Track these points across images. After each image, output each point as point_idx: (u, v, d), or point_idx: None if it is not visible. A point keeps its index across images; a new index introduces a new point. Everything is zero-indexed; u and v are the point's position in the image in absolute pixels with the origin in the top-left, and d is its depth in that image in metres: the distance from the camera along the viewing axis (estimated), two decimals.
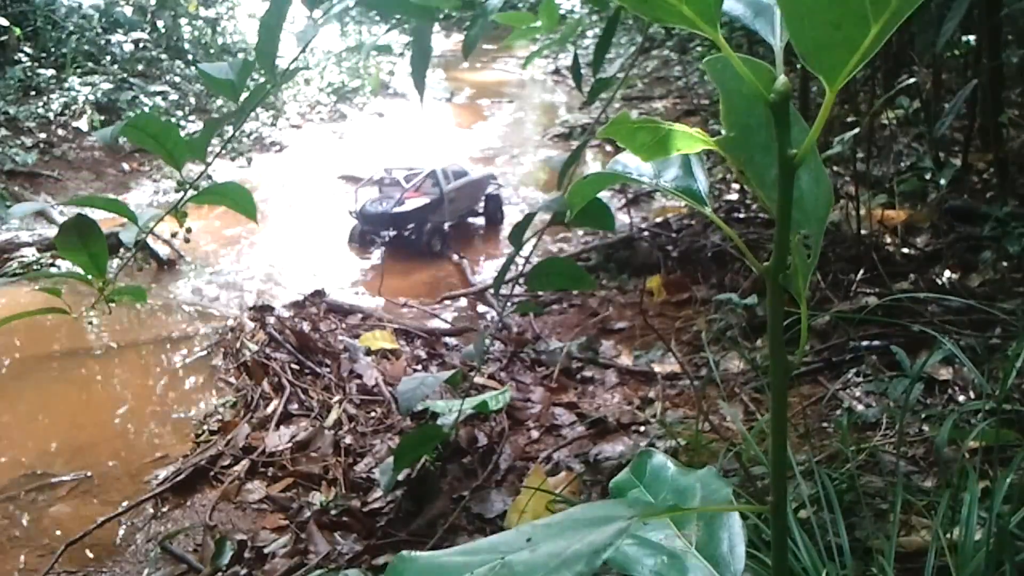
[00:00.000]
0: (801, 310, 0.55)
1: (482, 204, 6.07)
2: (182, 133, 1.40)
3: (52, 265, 5.16)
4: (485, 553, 0.49)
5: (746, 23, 0.52)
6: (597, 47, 2.41)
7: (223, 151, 1.72)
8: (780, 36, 0.50)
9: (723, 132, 0.55)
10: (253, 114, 8.58)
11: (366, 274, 5.36)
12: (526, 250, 2.24)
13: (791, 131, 0.48)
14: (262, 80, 1.59)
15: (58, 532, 2.89)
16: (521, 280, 2.52)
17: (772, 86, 0.48)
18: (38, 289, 1.48)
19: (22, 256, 5.26)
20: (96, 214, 1.64)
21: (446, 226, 5.63)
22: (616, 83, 2.52)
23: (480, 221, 6.15)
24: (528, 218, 2.14)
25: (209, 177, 1.62)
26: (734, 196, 5.42)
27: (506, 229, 5.87)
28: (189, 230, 1.75)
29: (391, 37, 9.97)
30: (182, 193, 1.47)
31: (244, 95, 1.51)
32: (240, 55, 9.70)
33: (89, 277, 1.41)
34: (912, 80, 4.37)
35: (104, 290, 1.44)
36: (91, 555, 2.77)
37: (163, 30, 9.21)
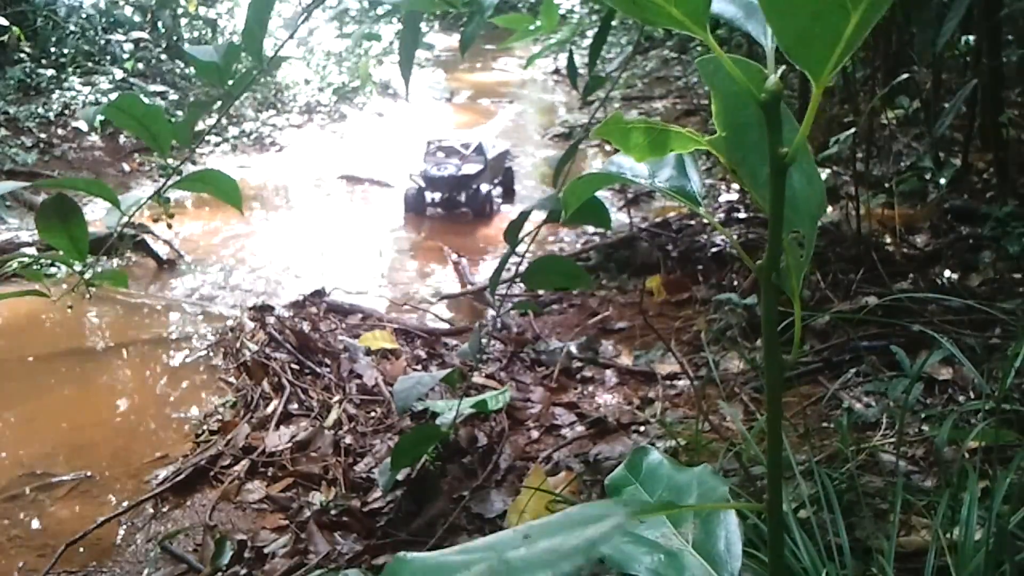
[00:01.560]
0: (795, 308, 0.55)
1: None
2: None
3: (52, 265, 5.15)
4: (482, 552, 0.50)
5: (738, 25, 0.52)
6: (592, 46, 2.42)
7: (210, 134, 1.72)
8: (771, 36, 0.50)
9: (716, 132, 0.55)
10: (252, 113, 8.57)
11: (366, 274, 5.36)
12: (521, 248, 2.24)
13: (783, 130, 0.48)
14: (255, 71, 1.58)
15: (58, 532, 2.89)
16: (518, 279, 2.52)
17: (763, 85, 0.48)
18: (20, 267, 1.46)
19: (22, 256, 5.25)
20: (88, 215, 1.64)
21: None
22: (611, 81, 2.53)
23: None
24: (523, 216, 2.14)
25: (190, 160, 1.62)
26: (734, 196, 5.42)
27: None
28: (172, 216, 1.73)
29: (388, 34, 9.96)
30: (165, 177, 1.46)
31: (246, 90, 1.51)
32: (240, 55, 9.64)
33: (72, 264, 1.39)
34: (906, 76, 4.37)
35: (84, 273, 1.43)
36: (91, 555, 2.77)
37: (163, 30, 9.20)
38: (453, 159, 6.06)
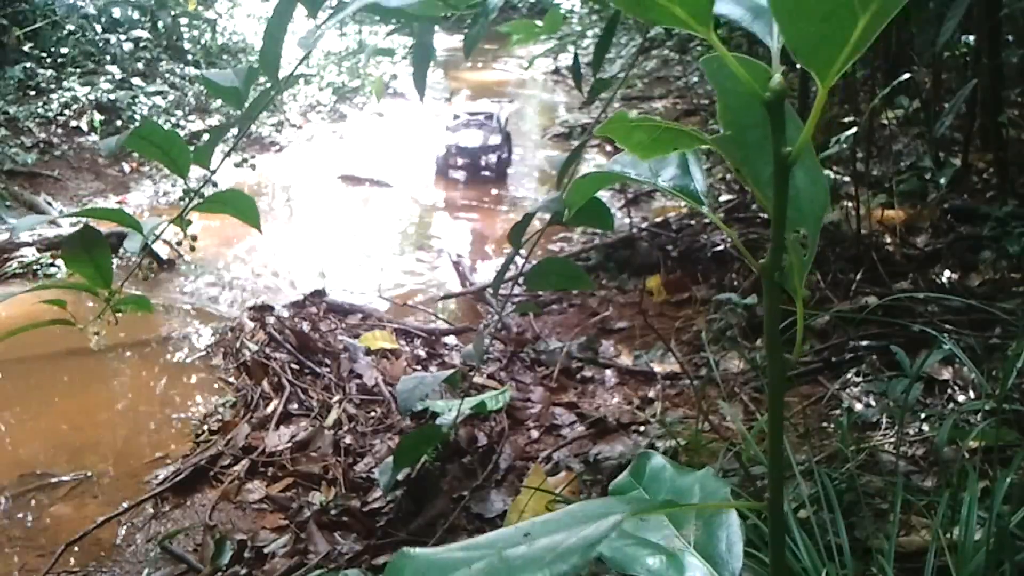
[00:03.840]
0: (797, 308, 0.55)
1: None
2: (181, 133, 1.40)
3: (52, 265, 5.15)
4: (483, 549, 0.49)
5: (744, 26, 0.52)
6: (597, 47, 2.42)
7: (227, 158, 1.73)
8: (777, 37, 0.50)
9: (720, 131, 0.55)
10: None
11: (366, 274, 5.36)
12: (524, 250, 2.24)
13: (787, 130, 0.48)
14: (266, 85, 1.59)
15: (58, 532, 2.89)
16: (520, 280, 2.52)
17: (768, 85, 0.48)
18: (43, 302, 1.47)
19: (22, 256, 5.25)
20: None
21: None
22: (616, 83, 2.53)
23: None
24: (527, 218, 2.14)
25: (210, 182, 1.63)
26: (734, 196, 5.42)
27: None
28: (195, 238, 1.75)
29: (391, 39, 9.95)
30: (185, 199, 1.48)
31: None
32: (240, 55, 9.65)
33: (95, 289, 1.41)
34: (907, 76, 4.37)
35: (111, 300, 1.45)
36: (91, 555, 2.77)
37: (163, 30, 9.19)
38: (477, 130, 7.21)
